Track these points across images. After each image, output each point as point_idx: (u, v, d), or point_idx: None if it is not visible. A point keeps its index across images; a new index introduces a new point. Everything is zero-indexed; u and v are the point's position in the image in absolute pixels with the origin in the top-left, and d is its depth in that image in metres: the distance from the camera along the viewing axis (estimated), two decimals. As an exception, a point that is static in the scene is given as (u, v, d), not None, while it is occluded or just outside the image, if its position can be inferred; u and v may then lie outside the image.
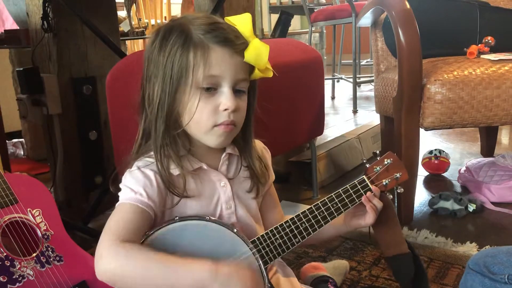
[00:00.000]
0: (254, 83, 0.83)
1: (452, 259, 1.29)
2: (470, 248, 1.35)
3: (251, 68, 0.80)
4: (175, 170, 0.78)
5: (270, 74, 0.81)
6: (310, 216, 0.85)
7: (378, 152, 0.93)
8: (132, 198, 0.75)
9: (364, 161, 0.94)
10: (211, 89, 0.76)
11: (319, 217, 0.85)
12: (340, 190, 0.88)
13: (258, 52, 0.77)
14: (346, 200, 0.87)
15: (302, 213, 0.85)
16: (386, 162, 0.90)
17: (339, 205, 0.87)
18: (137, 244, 0.71)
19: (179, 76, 0.75)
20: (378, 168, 0.90)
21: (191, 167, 0.80)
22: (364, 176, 0.90)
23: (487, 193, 1.71)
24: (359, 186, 0.88)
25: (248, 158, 0.87)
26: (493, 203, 1.67)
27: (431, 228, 1.49)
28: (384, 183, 0.90)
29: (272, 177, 0.95)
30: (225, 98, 0.76)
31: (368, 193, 0.87)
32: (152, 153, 0.80)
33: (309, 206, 0.87)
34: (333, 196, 0.87)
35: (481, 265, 0.91)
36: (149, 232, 0.75)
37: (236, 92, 0.78)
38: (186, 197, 0.79)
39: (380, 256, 1.32)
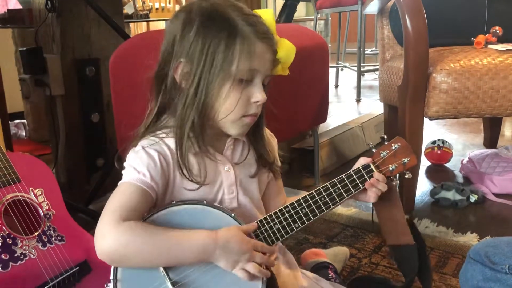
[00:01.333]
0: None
1: (452, 249, 1.29)
2: (470, 238, 1.35)
3: (274, 64, 0.82)
4: (194, 149, 0.78)
5: (287, 73, 0.85)
6: (311, 202, 0.83)
7: (385, 137, 0.90)
8: (135, 178, 0.74)
9: (371, 145, 0.91)
10: (247, 81, 0.76)
11: (320, 203, 0.83)
12: (343, 175, 0.86)
13: (289, 52, 0.81)
14: (349, 186, 0.85)
15: (302, 198, 0.83)
16: (393, 147, 0.87)
17: (342, 190, 0.85)
18: (138, 221, 0.71)
19: (222, 68, 0.74)
20: (384, 153, 0.87)
21: (198, 148, 0.79)
22: (369, 161, 0.87)
23: (489, 184, 1.70)
24: (363, 171, 0.86)
25: (255, 144, 0.87)
26: (495, 194, 1.67)
27: (432, 218, 1.49)
28: (390, 169, 0.87)
29: (278, 164, 0.94)
30: (257, 91, 0.77)
31: (372, 179, 0.85)
32: (158, 132, 0.80)
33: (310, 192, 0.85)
34: (336, 181, 0.85)
35: (482, 255, 0.91)
36: (146, 215, 0.74)
37: (263, 84, 0.79)
38: (198, 183, 0.78)
39: (380, 244, 1.32)
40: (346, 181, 0.85)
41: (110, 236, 0.69)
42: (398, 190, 0.99)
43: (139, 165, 0.75)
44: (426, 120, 1.49)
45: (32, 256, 0.89)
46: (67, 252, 0.93)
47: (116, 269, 0.72)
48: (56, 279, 0.89)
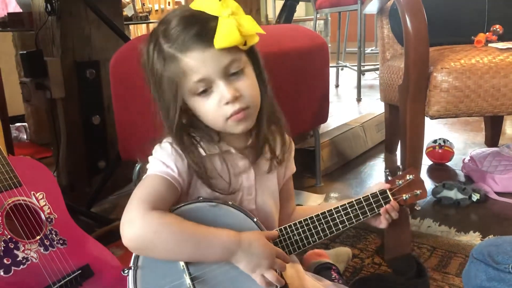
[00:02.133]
0: (252, 52, 0.78)
1: (455, 248, 1.29)
2: (473, 238, 1.35)
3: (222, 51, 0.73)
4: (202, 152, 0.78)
5: (256, 39, 0.74)
6: (329, 218, 0.88)
7: (400, 166, 0.99)
8: (162, 171, 0.75)
9: (387, 172, 0.98)
10: (206, 90, 0.73)
11: (337, 220, 0.88)
12: (361, 197, 0.91)
13: (225, 33, 0.70)
14: (366, 208, 0.90)
15: (322, 213, 0.87)
16: (408, 178, 0.95)
17: (359, 212, 0.90)
18: (167, 212, 0.71)
19: (175, 90, 0.73)
20: (400, 182, 0.95)
21: (219, 149, 0.80)
22: (386, 188, 0.93)
23: (491, 183, 1.70)
24: (380, 197, 0.92)
25: (265, 132, 0.83)
26: (497, 193, 1.66)
27: (435, 217, 1.49)
28: (404, 198, 0.94)
29: (293, 169, 0.95)
30: (220, 93, 0.73)
31: (388, 205, 0.91)
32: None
33: (327, 205, 0.90)
34: (354, 202, 0.90)
35: (485, 254, 0.91)
36: (172, 207, 0.75)
37: (232, 76, 0.74)
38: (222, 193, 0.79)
39: (382, 244, 1.32)
40: (364, 203, 0.91)
41: (139, 223, 0.68)
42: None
43: (167, 159, 0.76)
44: (427, 119, 1.49)
45: (34, 260, 0.89)
46: (69, 255, 0.93)
47: (137, 256, 0.72)
48: (59, 283, 0.89)
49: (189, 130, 0.79)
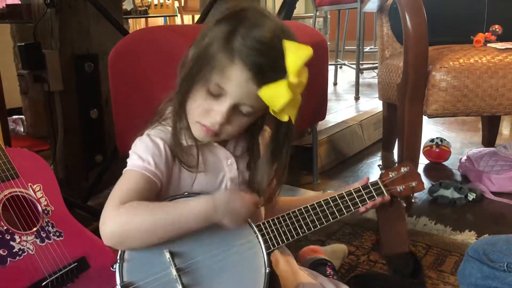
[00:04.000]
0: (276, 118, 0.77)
1: (450, 247, 1.30)
2: (468, 237, 1.36)
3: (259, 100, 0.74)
4: (188, 141, 0.79)
5: (285, 119, 0.75)
6: (318, 210, 0.86)
7: (395, 160, 0.95)
8: (139, 166, 0.75)
9: (380, 167, 0.97)
10: (214, 94, 0.74)
11: (327, 212, 0.87)
12: (351, 189, 0.90)
13: (275, 95, 0.71)
14: (357, 199, 0.89)
15: (310, 205, 0.86)
16: (402, 170, 0.94)
17: (349, 203, 0.89)
18: (135, 201, 0.72)
19: (205, 64, 0.73)
20: (393, 174, 0.93)
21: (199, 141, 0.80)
22: (378, 179, 0.92)
23: (487, 182, 1.71)
24: (371, 188, 0.91)
25: (252, 139, 0.87)
26: (493, 192, 1.67)
27: (430, 216, 1.49)
28: (398, 189, 0.92)
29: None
30: (217, 111, 0.74)
31: (380, 198, 0.90)
32: (164, 122, 0.81)
33: (316, 197, 0.88)
34: (344, 194, 0.89)
35: (480, 253, 0.91)
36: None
37: (236, 109, 0.75)
38: (191, 170, 0.79)
39: (378, 241, 1.32)
40: (354, 195, 0.90)
41: (109, 220, 0.70)
42: (409, 210, 1.04)
43: (144, 152, 0.76)
44: (424, 118, 1.49)
45: (30, 251, 0.89)
46: (66, 248, 0.93)
47: (123, 250, 0.72)
48: (55, 275, 0.89)
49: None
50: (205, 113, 0.75)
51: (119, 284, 0.70)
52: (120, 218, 0.70)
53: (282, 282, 0.87)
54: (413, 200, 0.97)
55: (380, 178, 0.93)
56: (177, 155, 0.78)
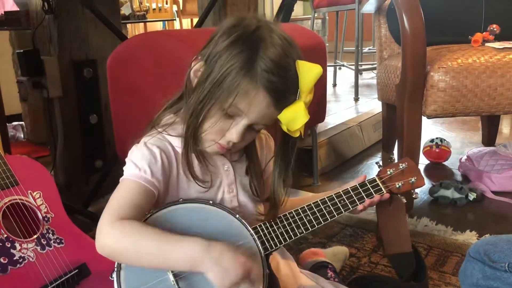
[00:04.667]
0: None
1: (451, 247, 1.29)
2: (470, 237, 1.35)
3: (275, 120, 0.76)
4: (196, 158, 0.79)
5: (296, 135, 0.77)
6: (315, 209, 0.85)
7: (393, 157, 0.94)
8: (135, 175, 0.75)
9: (378, 164, 0.95)
10: (230, 115, 0.74)
11: (324, 211, 0.86)
12: (349, 187, 0.89)
13: (295, 117, 0.73)
14: (355, 197, 0.88)
15: (307, 205, 0.86)
16: (401, 166, 0.91)
17: (347, 201, 0.87)
18: (134, 221, 0.71)
19: (224, 90, 0.72)
20: (391, 171, 0.91)
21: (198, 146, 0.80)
22: (375, 176, 0.91)
23: (487, 182, 1.70)
24: (369, 185, 0.89)
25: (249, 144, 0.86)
26: (493, 192, 1.67)
27: (431, 216, 1.49)
28: (397, 186, 0.90)
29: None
30: (233, 132, 0.75)
31: (378, 196, 0.89)
32: (161, 129, 0.80)
33: (313, 197, 0.88)
34: (341, 192, 0.88)
35: (481, 253, 0.91)
36: (153, 210, 0.76)
37: (250, 127, 0.76)
38: (203, 186, 0.80)
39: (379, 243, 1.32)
40: (352, 193, 0.88)
41: (105, 232, 0.71)
42: (412, 207, 1.02)
43: (140, 161, 0.76)
44: (424, 118, 1.49)
45: (31, 259, 0.89)
46: (66, 255, 0.93)
47: None
48: (55, 282, 0.89)
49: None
50: (220, 132, 0.76)
51: None
52: (114, 236, 0.70)
53: (283, 285, 0.87)
54: (414, 196, 0.94)
55: (378, 175, 0.91)
56: (192, 174, 0.78)
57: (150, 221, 0.75)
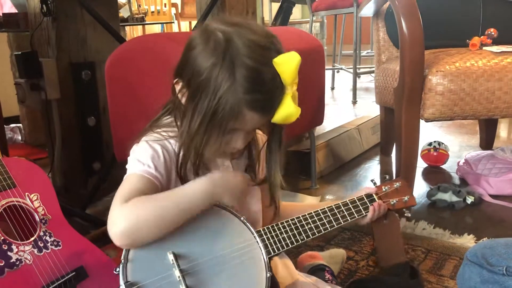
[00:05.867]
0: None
1: (449, 251, 1.29)
2: (467, 240, 1.35)
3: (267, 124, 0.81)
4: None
5: (290, 121, 0.79)
6: (316, 218, 0.91)
7: (387, 176, 1.04)
8: (140, 169, 0.76)
9: (373, 181, 1.03)
10: (229, 133, 0.78)
11: (324, 221, 0.91)
12: (347, 200, 0.96)
13: (288, 114, 0.76)
14: (353, 210, 0.95)
15: (308, 214, 0.91)
16: (395, 185, 1.00)
17: (345, 213, 0.94)
18: (137, 196, 0.72)
19: (220, 118, 0.74)
20: (386, 188, 1.00)
21: None
22: (373, 193, 0.99)
23: (485, 185, 1.71)
24: (366, 200, 0.97)
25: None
26: (491, 195, 1.67)
27: (429, 220, 1.49)
28: (391, 202, 0.99)
29: None
30: (237, 143, 0.79)
31: (376, 203, 0.96)
32: (159, 130, 0.82)
33: (312, 206, 0.95)
34: (340, 204, 0.95)
35: (479, 257, 0.91)
36: None
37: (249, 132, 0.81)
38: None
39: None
40: (350, 205, 0.96)
41: (118, 219, 0.70)
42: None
43: (144, 157, 0.78)
44: (422, 121, 1.50)
45: (28, 261, 0.89)
46: (64, 257, 0.93)
47: (128, 250, 0.72)
48: (53, 285, 0.88)
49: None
50: (225, 146, 0.79)
51: (123, 284, 0.70)
52: (128, 215, 0.70)
53: (281, 287, 0.88)
54: (406, 215, 1.02)
55: (375, 190, 0.99)
56: (181, 175, 0.81)
57: None
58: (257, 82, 0.73)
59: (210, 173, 0.78)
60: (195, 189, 0.75)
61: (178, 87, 0.80)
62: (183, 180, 0.80)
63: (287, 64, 0.73)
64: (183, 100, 0.79)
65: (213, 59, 0.73)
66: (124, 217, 0.70)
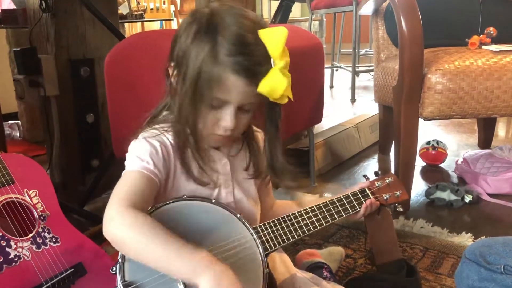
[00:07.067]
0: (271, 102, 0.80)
1: (447, 249, 1.30)
2: (465, 239, 1.36)
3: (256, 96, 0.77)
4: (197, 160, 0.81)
5: (285, 101, 0.78)
6: (311, 214, 0.91)
7: (379, 172, 1.04)
8: (139, 166, 0.76)
9: (366, 177, 1.04)
10: (216, 106, 0.76)
11: (319, 216, 0.92)
12: (341, 195, 0.97)
13: (274, 86, 0.74)
14: (347, 205, 0.97)
15: (304, 210, 0.91)
16: (387, 180, 1.02)
17: (340, 209, 0.95)
18: (146, 215, 0.70)
19: (203, 86, 0.73)
20: (379, 183, 1.02)
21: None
22: (366, 187, 1.00)
23: (483, 184, 1.71)
24: (360, 195, 0.98)
25: (248, 138, 0.89)
26: (489, 194, 1.68)
27: (428, 218, 1.49)
28: (384, 197, 1.01)
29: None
30: (226, 119, 0.77)
31: (368, 200, 0.97)
32: (157, 126, 0.82)
33: (311, 200, 0.96)
34: (335, 200, 0.95)
35: (477, 255, 0.91)
36: (157, 205, 0.76)
37: (240, 110, 0.78)
38: (201, 184, 0.82)
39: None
40: (344, 201, 0.97)
41: (118, 219, 0.69)
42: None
43: (142, 153, 0.77)
44: (420, 120, 1.50)
45: (26, 258, 0.89)
46: (62, 253, 0.93)
47: None
48: (51, 281, 0.88)
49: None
50: (214, 124, 0.78)
51: (120, 283, 0.70)
52: (128, 223, 0.68)
53: (280, 285, 0.90)
54: (398, 210, 1.03)
55: (368, 185, 1.01)
56: (192, 176, 0.80)
57: (155, 215, 0.75)
58: (240, 44, 0.72)
59: (218, 260, 0.68)
60: (191, 258, 0.66)
61: (170, 71, 0.80)
62: (187, 170, 0.79)
63: (273, 36, 0.73)
64: (174, 82, 0.79)
65: (195, 27, 0.74)
66: (123, 222, 0.68)
